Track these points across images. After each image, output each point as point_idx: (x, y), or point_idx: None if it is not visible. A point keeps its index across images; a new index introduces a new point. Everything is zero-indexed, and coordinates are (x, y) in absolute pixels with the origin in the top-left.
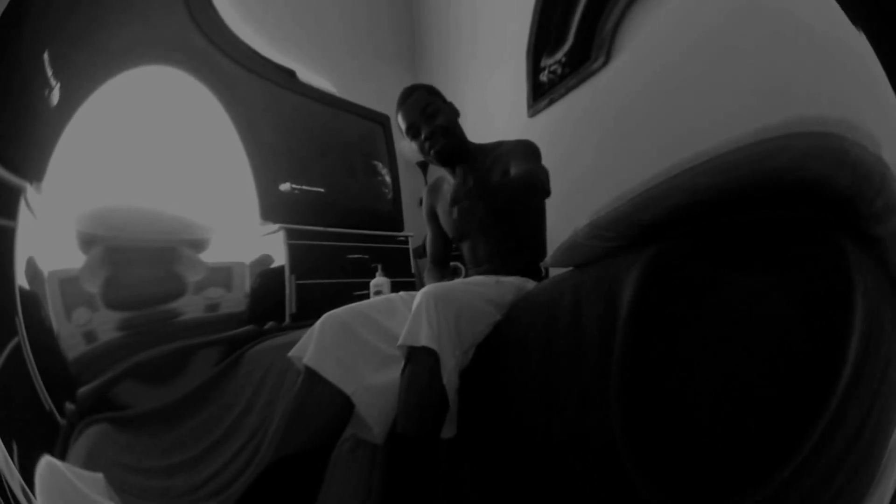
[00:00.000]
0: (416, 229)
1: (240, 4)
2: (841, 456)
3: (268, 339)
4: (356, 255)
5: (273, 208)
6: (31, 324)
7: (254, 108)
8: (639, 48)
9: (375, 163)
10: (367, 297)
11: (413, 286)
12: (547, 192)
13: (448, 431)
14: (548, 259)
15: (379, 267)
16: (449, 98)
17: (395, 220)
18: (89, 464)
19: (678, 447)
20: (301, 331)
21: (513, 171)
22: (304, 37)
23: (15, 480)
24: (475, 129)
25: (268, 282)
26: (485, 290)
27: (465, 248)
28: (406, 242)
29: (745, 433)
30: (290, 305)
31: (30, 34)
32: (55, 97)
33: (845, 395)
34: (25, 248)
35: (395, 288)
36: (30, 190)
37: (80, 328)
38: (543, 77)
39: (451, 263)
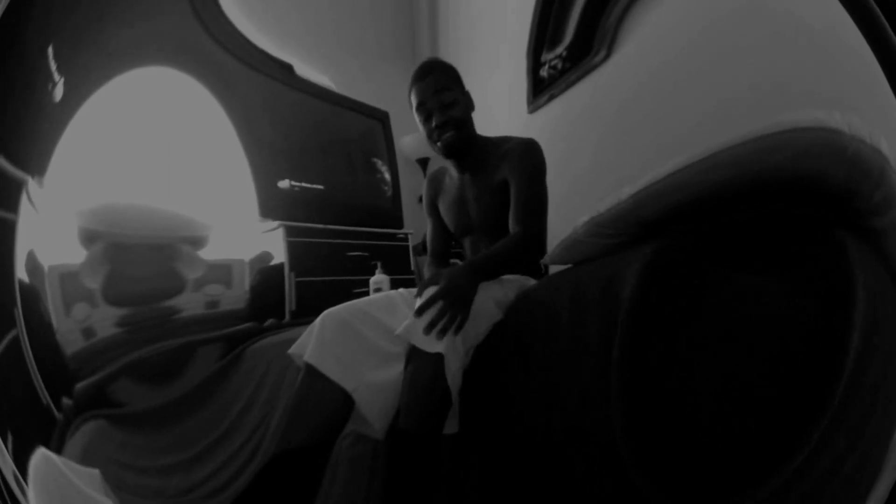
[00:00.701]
0: (415, 227)
1: (242, 2)
2: (843, 452)
3: (268, 336)
4: (356, 253)
5: (272, 205)
6: (29, 317)
7: (253, 106)
8: (640, 43)
9: (375, 160)
10: (366, 294)
11: (413, 283)
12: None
13: (451, 428)
14: (548, 256)
15: (378, 264)
16: None
17: (394, 217)
18: (85, 460)
19: (678, 445)
20: (301, 328)
21: (513, 194)
22: (303, 34)
23: (8, 469)
24: (476, 125)
25: (267, 279)
26: (491, 292)
27: (468, 244)
28: (406, 240)
29: (746, 431)
30: (289, 302)
31: (34, 29)
32: (58, 93)
33: (848, 388)
34: (26, 241)
35: (395, 285)
36: (31, 184)
37: (79, 323)
38: (544, 73)
39: (453, 261)
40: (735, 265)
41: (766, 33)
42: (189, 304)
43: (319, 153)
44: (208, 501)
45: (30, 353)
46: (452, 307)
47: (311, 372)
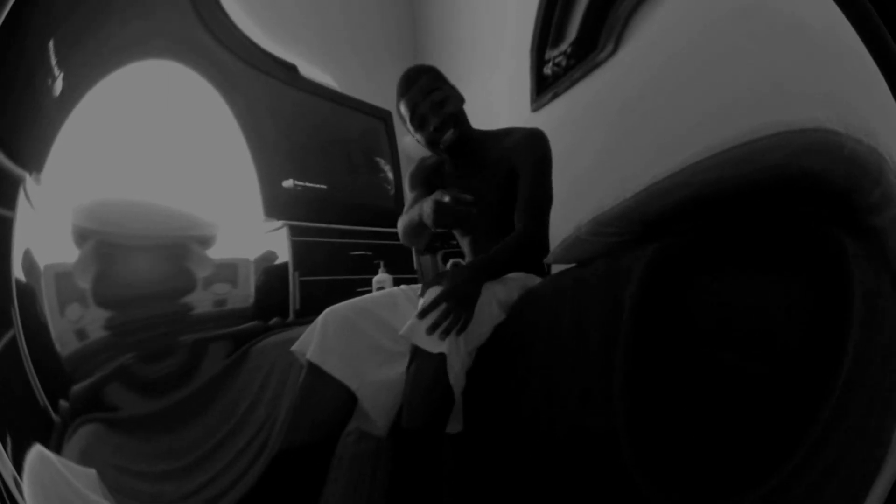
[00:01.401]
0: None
1: (244, 1)
2: (843, 450)
3: (272, 335)
4: (359, 252)
5: (276, 205)
6: (26, 317)
7: (256, 104)
8: (646, 40)
9: (378, 159)
10: (369, 293)
11: (415, 282)
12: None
13: (454, 427)
14: (550, 255)
15: (381, 263)
16: None
17: (397, 216)
18: (83, 463)
19: (680, 444)
20: (305, 327)
21: (520, 189)
22: (306, 32)
23: (8, 472)
24: (478, 124)
25: (272, 278)
26: (495, 292)
27: (467, 243)
28: None
29: (747, 429)
30: (293, 302)
31: (37, 22)
32: (58, 87)
33: (847, 386)
34: (23, 239)
35: (398, 284)
36: (29, 180)
37: (72, 324)
38: (548, 70)
39: (453, 259)
40: (736, 264)
41: (768, 32)
42: (194, 303)
43: (322, 153)
44: None
45: (27, 353)
46: (456, 309)
47: (314, 370)
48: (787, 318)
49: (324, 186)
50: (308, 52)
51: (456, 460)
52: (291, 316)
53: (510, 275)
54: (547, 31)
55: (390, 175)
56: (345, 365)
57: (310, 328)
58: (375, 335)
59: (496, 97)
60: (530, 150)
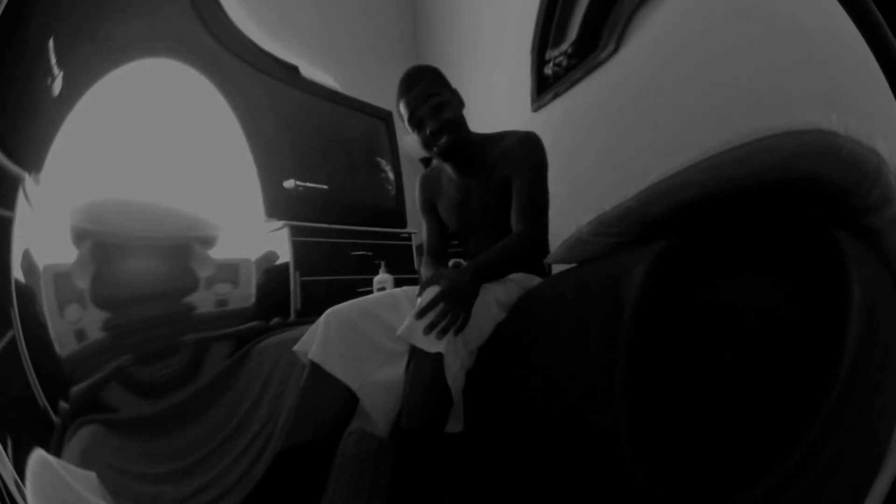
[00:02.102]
0: (419, 226)
1: (244, 0)
2: (843, 447)
3: (274, 335)
4: (359, 252)
5: (277, 205)
6: (25, 317)
7: (257, 105)
8: (646, 43)
9: (378, 159)
10: (370, 293)
11: (416, 282)
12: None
13: (455, 426)
14: (551, 256)
15: (382, 264)
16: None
17: (398, 216)
18: (83, 464)
19: (681, 441)
20: (306, 327)
21: (515, 192)
22: (306, 33)
23: (8, 474)
24: (478, 124)
25: (273, 278)
26: (494, 292)
27: (471, 244)
28: (409, 239)
29: (747, 427)
30: (294, 301)
31: (38, 20)
32: (57, 87)
33: (846, 384)
34: (22, 239)
35: (399, 284)
36: (28, 180)
37: (71, 325)
38: (548, 70)
39: (454, 260)
40: (737, 264)
41: (769, 33)
42: (196, 303)
43: (323, 153)
44: None
45: (26, 354)
46: (454, 308)
47: (316, 370)
48: (787, 318)
49: (325, 187)
50: (309, 52)
51: (456, 460)
52: (292, 316)
53: (510, 275)
54: (548, 31)
55: (391, 175)
56: (346, 365)
57: (311, 328)
58: (377, 336)
59: (496, 97)
60: (525, 154)
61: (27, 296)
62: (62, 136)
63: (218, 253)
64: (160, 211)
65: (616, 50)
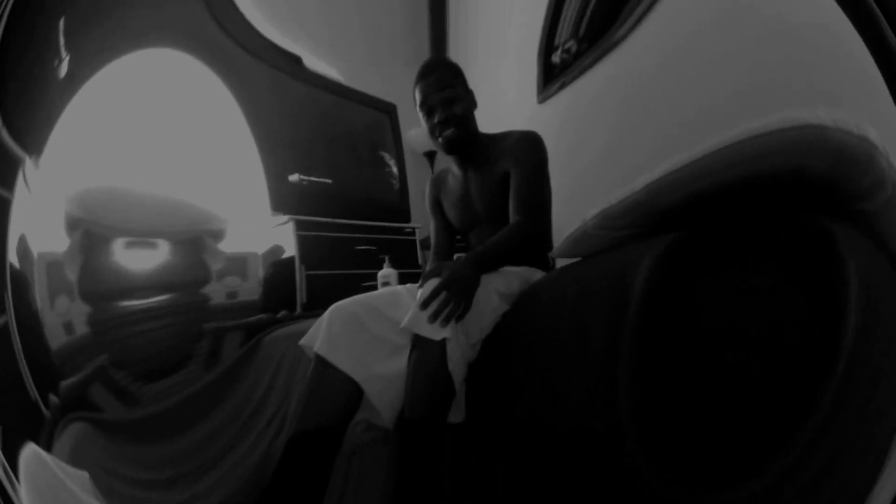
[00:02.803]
0: (423, 221)
1: None
2: (847, 435)
3: (280, 328)
4: (364, 247)
5: (283, 199)
6: (19, 305)
7: (262, 97)
8: (655, 34)
9: (382, 153)
10: (374, 287)
11: (420, 277)
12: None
13: (456, 417)
14: (556, 250)
15: (386, 258)
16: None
17: (402, 211)
18: (74, 461)
19: (686, 434)
20: (312, 320)
21: (512, 186)
22: (311, 24)
23: None
24: (484, 115)
25: (279, 272)
26: (492, 281)
27: (474, 239)
28: (413, 234)
29: (751, 420)
30: (300, 295)
31: (51, 1)
32: (63, 70)
33: (847, 368)
34: (18, 223)
35: (403, 279)
36: (28, 163)
37: (61, 317)
38: (556, 58)
39: (458, 255)
40: (738, 257)
41: (770, 31)
42: (209, 294)
43: (327, 147)
44: None
45: (18, 343)
46: (455, 296)
47: (322, 363)
48: (786, 309)
49: (329, 181)
50: (313, 43)
51: (458, 450)
52: (298, 309)
53: (510, 268)
54: (556, 22)
55: (395, 169)
56: (351, 358)
57: (317, 323)
58: (380, 329)
59: (503, 88)
60: (523, 150)
61: (21, 282)
62: (64, 121)
63: (226, 246)
64: (158, 202)
65: (623, 42)
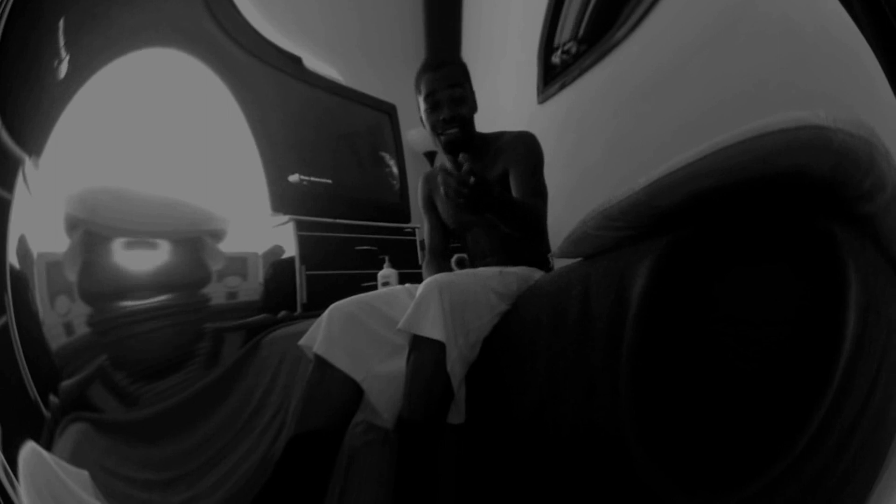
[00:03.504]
0: (422, 221)
1: None
2: (847, 434)
3: (279, 329)
4: (364, 247)
5: (283, 199)
6: (19, 306)
7: (262, 97)
8: (656, 32)
9: (382, 154)
10: (374, 288)
11: (420, 277)
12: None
13: (456, 418)
14: (556, 250)
15: (386, 258)
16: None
17: (402, 211)
18: (74, 461)
19: (687, 436)
20: (312, 320)
21: (514, 185)
22: (311, 24)
23: None
24: (483, 115)
25: (279, 272)
26: (489, 281)
27: (468, 239)
28: (413, 234)
29: (750, 421)
30: (300, 295)
31: (50, 1)
32: (63, 70)
33: (848, 367)
34: (18, 224)
35: (403, 279)
36: (28, 163)
37: (61, 317)
38: (556, 59)
39: (458, 255)
40: (739, 257)
41: (771, 30)
42: (209, 294)
43: (327, 147)
44: None
45: (18, 343)
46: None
47: (321, 363)
48: (786, 310)
49: (329, 181)
50: (313, 44)
51: (459, 451)
52: (299, 309)
53: (508, 268)
54: (557, 16)
55: (395, 170)
56: (350, 358)
57: (316, 323)
58: (380, 329)
59: (502, 88)
60: (520, 147)
61: (21, 283)
62: (64, 122)
63: (226, 246)
64: (158, 202)
65: (624, 40)
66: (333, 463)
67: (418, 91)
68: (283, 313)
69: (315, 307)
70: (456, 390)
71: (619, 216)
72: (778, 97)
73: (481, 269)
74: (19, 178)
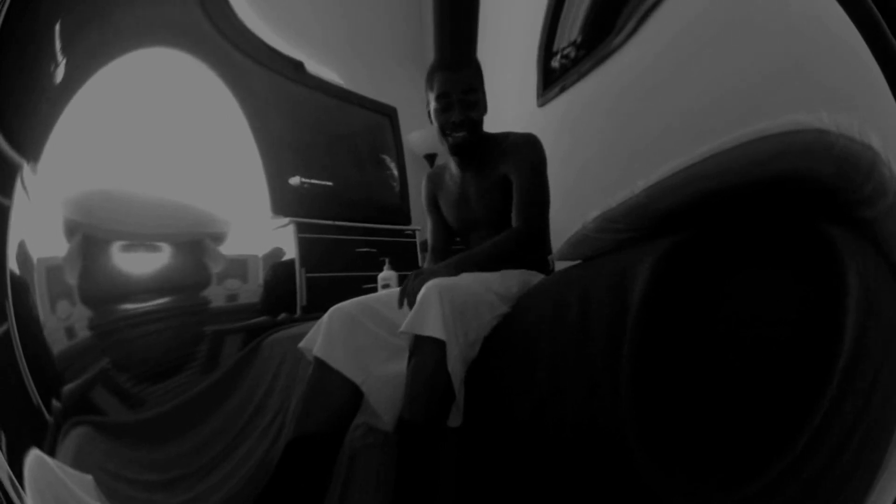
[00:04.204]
0: (423, 223)
1: None
2: (847, 434)
3: (279, 332)
4: (364, 249)
5: (283, 202)
6: (20, 311)
7: (263, 100)
8: (656, 35)
9: (383, 156)
10: (375, 290)
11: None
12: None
13: (455, 420)
14: (556, 252)
15: (387, 260)
16: None
17: (402, 213)
18: (77, 465)
19: (687, 436)
20: (312, 323)
21: (515, 189)
22: (311, 28)
23: (3, 471)
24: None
25: (279, 275)
26: (490, 283)
27: (471, 240)
28: (413, 236)
29: (750, 421)
30: (301, 298)
31: (48, 4)
32: (60, 74)
33: (848, 370)
34: (18, 230)
35: (403, 281)
36: (26, 168)
37: (62, 321)
38: (555, 63)
39: None
40: (739, 261)
41: (771, 29)
42: (209, 298)
43: (328, 149)
44: None
45: (20, 349)
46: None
47: (321, 365)
48: (787, 313)
49: (329, 183)
50: (313, 48)
51: (458, 453)
52: (299, 312)
53: (509, 270)
54: (556, 21)
55: (395, 172)
56: (350, 360)
57: (316, 325)
58: (380, 331)
59: (501, 91)
60: (524, 152)
61: (22, 288)
62: (61, 126)
63: (226, 249)
64: (157, 205)
65: (624, 44)
66: (333, 465)
67: (430, 87)
68: (283, 316)
69: (315, 309)
70: (457, 391)
71: (619, 218)
72: (777, 99)
73: (481, 272)
74: (17, 184)
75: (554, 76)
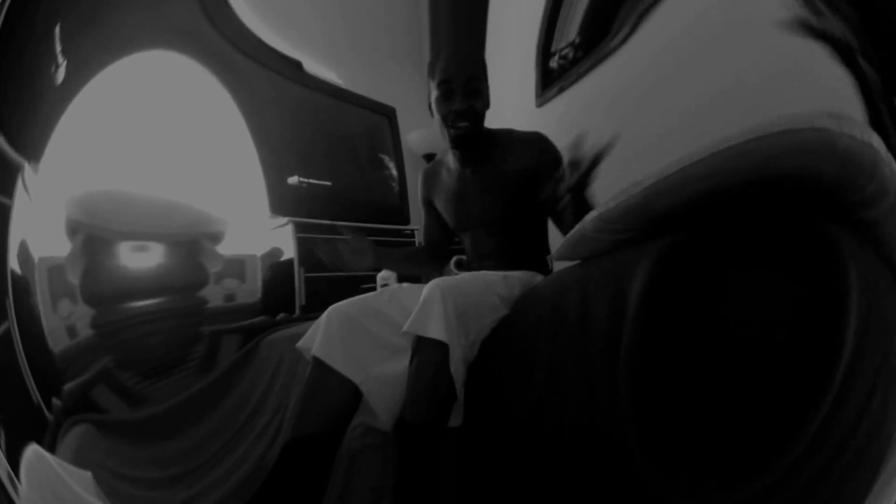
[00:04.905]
0: (421, 223)
1: None
2: (847, 435)
3: (278, 332)
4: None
5: (282, 201)
6: (21, 310)
7: (261, 100)
8: (655, 36)
9: (381, 156)
10: (373, 289)
11: (418, 279)
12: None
13: (455, 420)
14: (555, 252)
15: None
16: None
17: (401, 213)
18: (77, 462)
19: (687, 436)
20: (310, 322)
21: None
22: (310, 28)
23: (2, 468)
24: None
25: (278, 274)
26: (493, 285)
27: (468, 240)
28: (412, 236)
29: (750, 422)
30: (299, 297)
31: (47, 5)
32: (60, 75)
33: (848, 370)
34: (19, 229)
35: (402, 281)
36: (28, 169)
37: (63, 320)
38: (554, 63)
39: (457, 257)
40: (739, 260)
41: (771, 28)
42: (207, 297)
43: (327, 149)
44: None
45: (20, 348)
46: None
47: (320, 365)
48: (787, 311)
49: (328, 183)
50: (313, 48)
51: (457, 453)
52: (297, 311)
53: (511, 272)
54: (553, 23)
55: (394, 172)
56: (349, 360)
57: (314, 325)
58: (379, 331)
59: (500, 91)
60: (530, 143)
61: (23, 287)
62: (62, 126)
63: (225, 249)
64: (157, 205)
65: (623, 44)
66: (331, 465)
67: (432, 76)
68: (281, 315)
69: (313, 309)
70: (459, 392)
71: (617, 218)
72: (777, 99)
73: (484, 273)
74: (19, 184)
75: (552, 77)
